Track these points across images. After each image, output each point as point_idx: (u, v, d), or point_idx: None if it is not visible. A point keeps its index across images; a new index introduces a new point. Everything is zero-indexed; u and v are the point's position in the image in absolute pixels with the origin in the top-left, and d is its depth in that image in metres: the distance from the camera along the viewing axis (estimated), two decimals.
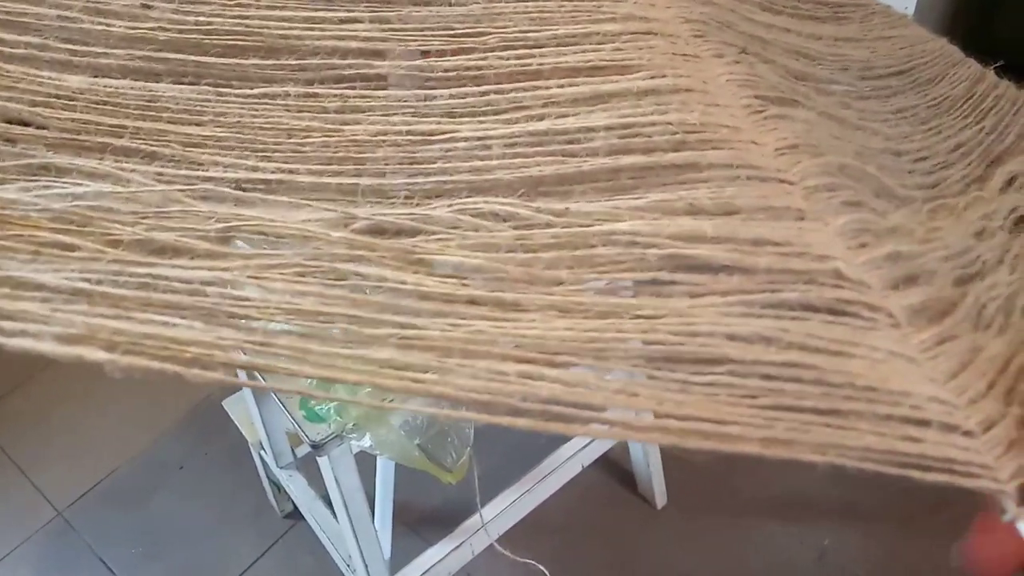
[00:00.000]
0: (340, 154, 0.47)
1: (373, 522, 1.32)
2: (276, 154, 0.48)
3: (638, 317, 0.38)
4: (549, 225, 0.41)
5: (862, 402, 0.34)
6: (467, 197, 0.43)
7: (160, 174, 0.47)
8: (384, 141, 0.47)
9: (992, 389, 0.37)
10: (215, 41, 0.53)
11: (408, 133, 0.47)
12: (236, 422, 1.44)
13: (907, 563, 1.46)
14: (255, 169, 0.47)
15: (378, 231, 0.43)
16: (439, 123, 0.47)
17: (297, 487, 1.36)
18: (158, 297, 0.38)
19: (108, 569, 1.58)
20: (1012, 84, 0.91)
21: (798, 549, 1.49)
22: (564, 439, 1.43)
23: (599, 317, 0.38)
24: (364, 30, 0.52)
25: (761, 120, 0.45)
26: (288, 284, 0.39)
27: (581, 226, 0.40)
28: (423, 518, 1.64)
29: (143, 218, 0.43)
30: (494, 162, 0.44)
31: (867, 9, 0.88)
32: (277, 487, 1.54)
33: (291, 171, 0.47)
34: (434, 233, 0.42)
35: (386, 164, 0.46)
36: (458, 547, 1.27)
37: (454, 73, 0.49)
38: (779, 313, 0.37)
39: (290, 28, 0.52)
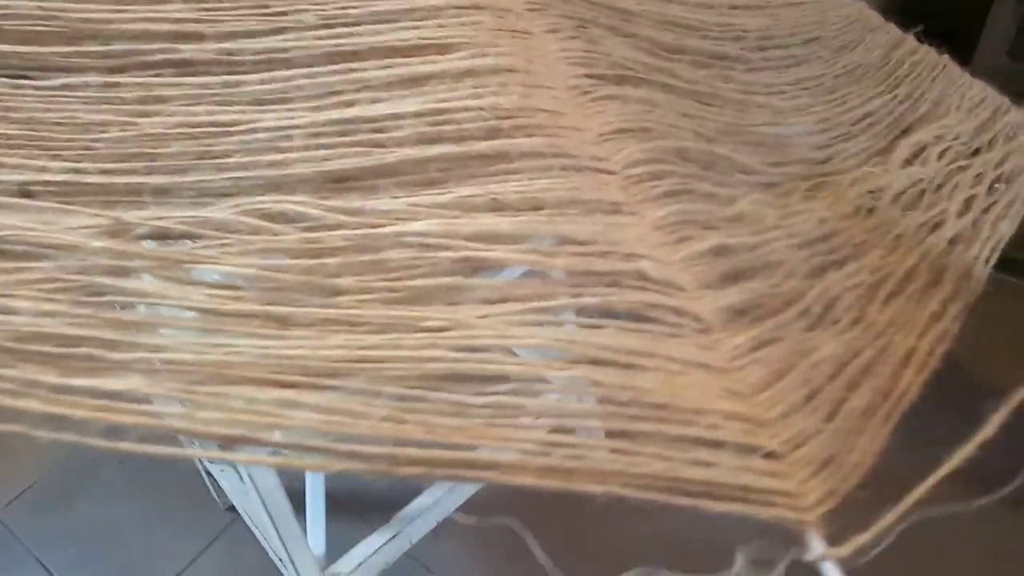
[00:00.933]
0: (133, 150, 0.42)
1: (305, 517, 1.29)
2: (67, 152, 0.43)
3: (421, 330, 0.33)
4: (339, 226, 0.37)
5: (652, 422, 0.30)
6: (262, 195, 0.39)
7: None
8: (181, 134, 0.42)
9: (813, 400, 0.33)
10: (12, 27, 0.48)
11: (209, 124, 0.42)
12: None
13: (836, 528, 1.44)
14: (43, 170, 0.43)
15: (156, 236, 0.38)
16: (243, 112, 0.43)
17: (229, 481, 1.32)
18: None
19: (46, 570, 1.55)
20: (932, 49, 0.87)
21: (743, 526, 1.48)
22: None
23: (379, 332, 0.34)
24: (176, 11, 0.47)
25: (588, 102, 0.41)
26: (33, 303, 0.34)
27: (371, 227, 0.36)
28: (372, 505, 1.61)
29: None
30: (294, 155, 0.40)
31: None
32: (217, 480, 1.51)
33: (80, 171, 0.42)
34: (215, 238, 0.38)
35: (180, 160, 0.41)
36: (394, 538, 1.24)
37: (264, 56, 0.45)
38: (577, 321, 0.33)
39: (95, 11, 0.47)
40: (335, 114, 0.41)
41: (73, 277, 0.36)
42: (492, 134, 0.38)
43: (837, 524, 0.32)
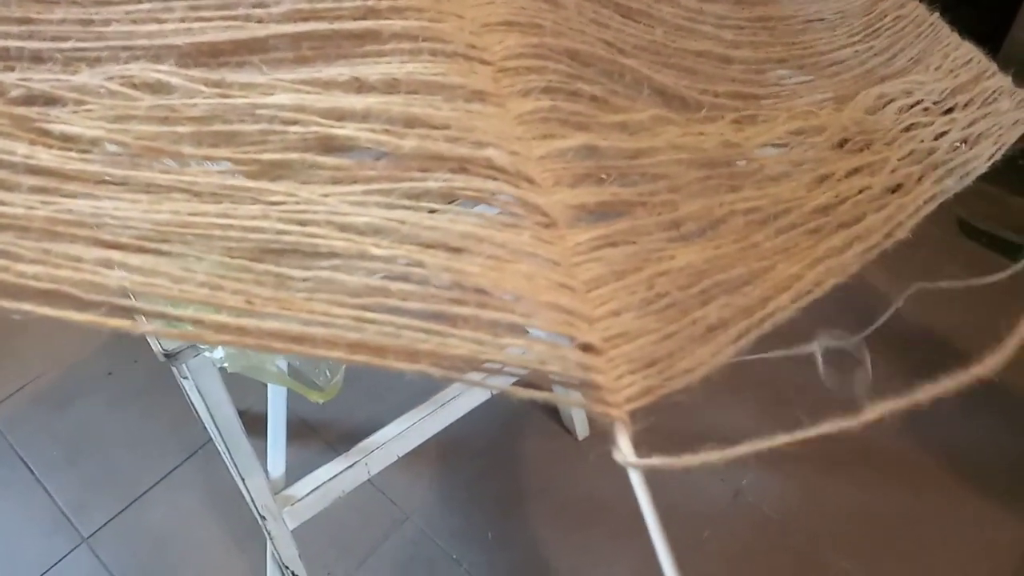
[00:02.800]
0: (16, 14, 0.41)
1: (267, 437, 1.31)
2: None
3: (257, 203, 0.33)
4: (196, 96, 0.36)
5: (470, 306, 0.30)
6: (131, 64, 0.38)
7: None
8: (67, 1, 0.41)
9: (652, 304, 0.32)
10: None
11: None
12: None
13: (820, 507, 1.44)
14: None
15: (24, 99, 0.38)
16: None
17: (194, 398, 1.34)
18: None
19: (28, 469, 1.59)
20: (922, 6, 0.83)
21: (717, 487, 1.47)
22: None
23: (213, 201, 0.33)
24: None
25: None
26: None
27: (225, 98, 0.35)
28: (343, 435, 1.64)
29: None
30: (170, 26, 0.39)
31: None
32: None
33: None
34: (76, 102, 0.37)
35: (62, 27, 0.40)
36: (352, 466, 1.25)
37: None
38: (418, 204, 0.32)
39: None
40: None
41: None
42: (367, 14, 0.37)
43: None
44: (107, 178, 0.33)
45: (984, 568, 1.35)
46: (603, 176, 0.35)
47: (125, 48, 0.39)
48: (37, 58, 0.40)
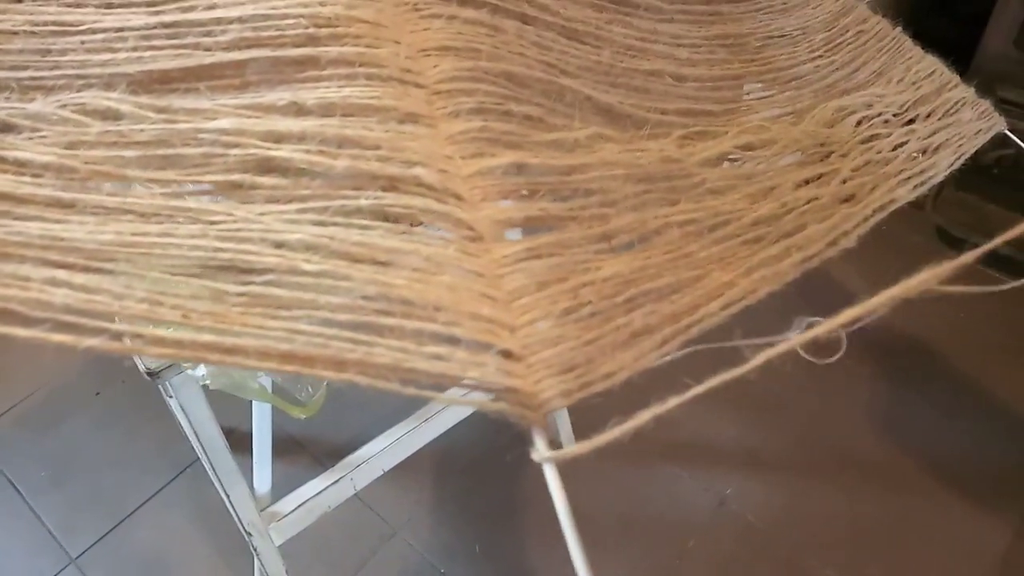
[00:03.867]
0: None
1: (252, 455, 1.32)
2: None
3: (197, 222, 0.34)
4: (143, 121, 0.37)
5: (396, 317, 0.31)
6: (83, 92, 0.40)
7: None
8: (26, 32, 0.43)
9: (575, 312, 0.34)
10: None
11: (54, 24, 0.43)
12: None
13: (804, 514, 1.45)
14: None
15: None
16: (87, 14, 0.43)
17: (179, 416, 1.35)
18: None
19: (16, 490, 1.60)
20: (885, 21, 0.85)
21: (701, 495, 1.48)
22: None
23: (156, 221, 0.34)
24: None
25: (416, 19, 0.41)
26: None
27: (171, 123, 0.37)
28: (331, 451, 1.64)
29: None
30: (122, 55, 0.41)
31: None
32: None
33: None
34: (30, 129, 0.39)
35: (19, 56, 0.42)
36: (337, 481, 1.26)
37: None
38: (349, 221, 0.34)
39: None
40: (169, 17, 0.41)
41: None
42: (307, 41, 0.39)
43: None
44: (57, 201, 0.35)
45: (967, 574, 1.36)
46: (533, 191, 0.37)
47: (79, 76, 0.41)
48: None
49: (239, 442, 1.40)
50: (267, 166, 0.35)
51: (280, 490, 1.29)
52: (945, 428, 1.53)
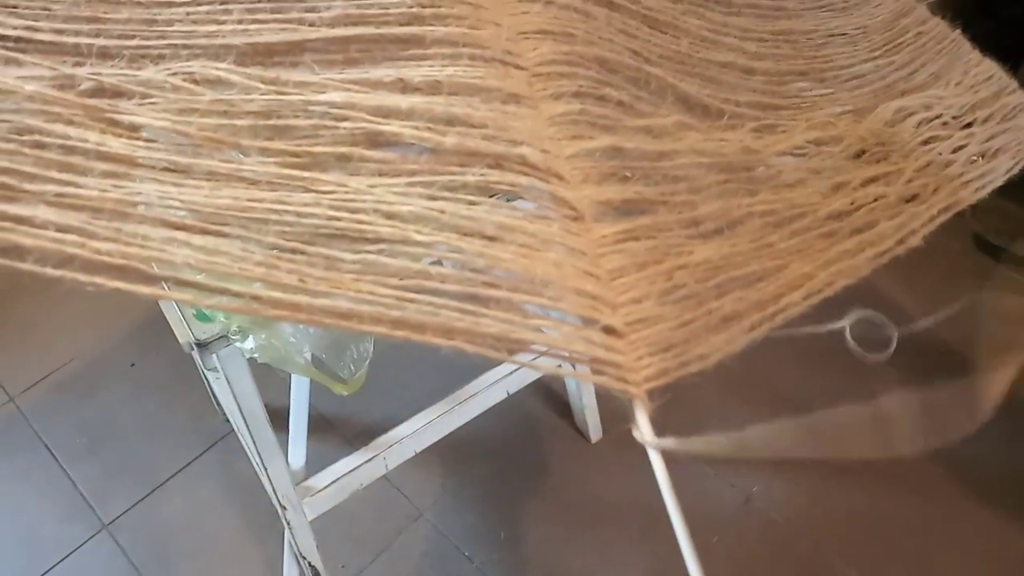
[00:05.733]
0: (86, 13, 0.45)
1: (288, 430, 1.34)
2: (24, 10, 0.46)
3: (309, 191, 0.36)
4: (253, 92, 0.39)
5: (502, 290, 0.32)
6: (192, 62, 0.41)
7: None
8: (133, 2, 0.45)
9: (671, 294, 0.35)
10: None
11: None
12: (170, 322, 1.46)
13: (828, 514, 1.46)
14: None
15: (93, 92, 0.41)
16: None
17: (221, 390, 1.37)
18: None
19: (52, 456, 1.63)
20: (944, 22, 0.85)
21: (727, 492, 1.49)
22: (492, 364, 1.43)
23: (269, 188, 0.36)
24: None
25: (516, 2, 0.42)
26: None
27: (281, 95, 0.38)
28: (360, 431, 1.66)
29: None
30: (228, 27, 0.42)
31: None
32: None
33: (35, 28, 0.45)
34: (142, 95, 0.40)
35: (127, 26, 0.44)
36: (370, 460, 1.28)
37: None
38: (456, 196, 0.35)
39: None
40: None
41: (6, 117, 0.39)
42: (412, 20, 0.40)
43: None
44: (172, 165, 0.36)
45: None
46: (627, 175, 0.38)
47: (186, 47, 0.42)
48: (105, 54, 0.43)
49: (271, 418, 1.42)
50: (376, 140, 0.37)
51: (310, 468, 1.31)
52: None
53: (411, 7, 0.40)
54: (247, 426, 1.10)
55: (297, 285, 0.33)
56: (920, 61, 0.81)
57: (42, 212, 0.35)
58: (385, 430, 1.36)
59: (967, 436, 0.43)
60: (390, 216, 0.34)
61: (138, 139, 0.38)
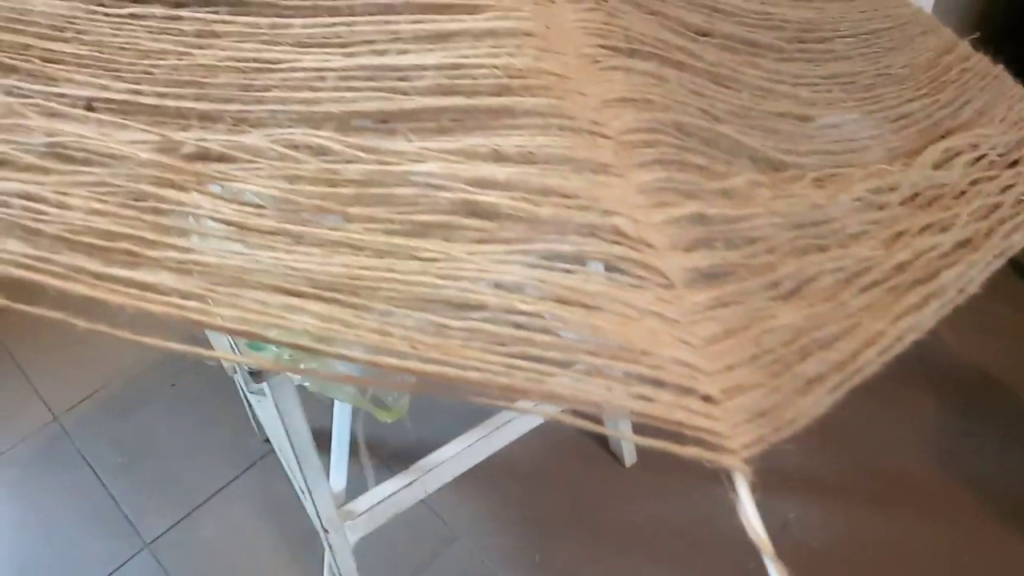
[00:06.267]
0: (186, 77, 0.47)
1: (330, 453, 1.36)
2: (128, 75, 0.48)
3: (415, 259, 0.38)
4: (355, 161, 0.41)
5: (603, 358, 0.34)
6: (291, 128, 0.43)
7: (15, 87, 0.48)
8: (229, 67, 0.47)
9: (760, 359, 0.36)
10: None
11: (254, 60, 0.47)
12: (214, 345, 1.49)
13: (864, 540, 1.46)
14: (106, 88, 0.48)
15: (198, 156, 0.43)
16: (285, 52, 0.47)
17: (264, 412, 1.40)
18: None
19: (95, 474, 1.66)
20: (986, 58, 0.86)
21: (764, 518, 1.49)
22: None
23: (378, 257, 0.38)
24: None
25: (596, 71, 0.44)
26: (86, 201, 0.40)
27: (383, 164, 0.40)
28: (395, 454, 1.68)
29: None
30: (324, 95, 0.44)
31: None
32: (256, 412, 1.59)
33: (138, 92, 0.47)
34: (247, 161, 0.42)
35: (225, 90, 0.46)
36: (410, 484, 1.30)
37: (310, 4, 0.49)
38: (552, 265, 0.37)
39: None
40: (365, 60, 0.45)
41: (122, 183, 0.41)
42: (502, 91, 0.42)
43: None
44: (282, 232, 0.39)
45: None
46: (712, 240, 0.40)
47: (283, 112, 0.45)
48: (206, 117, 0.45)
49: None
50: (474, 209, 0.39)
51: (349, 490, 1.33)
52: (1005, 461, 1.53)
53: (500, 78, 0.42)
54: (294, 451, 1.12)
55: (410, 351, 0.35)
56: (964, 98, 0.82)
57: (165, 278, 0.37)
58: (420, 452, 1.38)
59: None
60: (495, 285, 0.36)
61: (247, 206, 0.40)
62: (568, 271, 0.36)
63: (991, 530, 1.44)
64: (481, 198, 0.38)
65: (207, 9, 0.51)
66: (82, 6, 0.52)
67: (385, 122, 0.43)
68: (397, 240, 0.38)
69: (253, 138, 0.43)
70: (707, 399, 0.34)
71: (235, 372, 1.44)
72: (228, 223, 0.39)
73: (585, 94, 0.43)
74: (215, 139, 0.43)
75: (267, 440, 1.67)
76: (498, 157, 0.40)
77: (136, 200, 0.40)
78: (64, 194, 0.40)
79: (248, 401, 1.58)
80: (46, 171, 0.42)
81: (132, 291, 0.37)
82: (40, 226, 0.39)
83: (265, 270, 0.37)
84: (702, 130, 0.46)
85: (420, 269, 0.37)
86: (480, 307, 0.36)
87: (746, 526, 0.33)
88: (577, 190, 0.38)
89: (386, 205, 0.40)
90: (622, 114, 0.42)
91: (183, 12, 0.51)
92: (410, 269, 0.37)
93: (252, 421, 1.66)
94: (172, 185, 0.41)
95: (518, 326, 0.35)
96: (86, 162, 0.43)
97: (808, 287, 0.44)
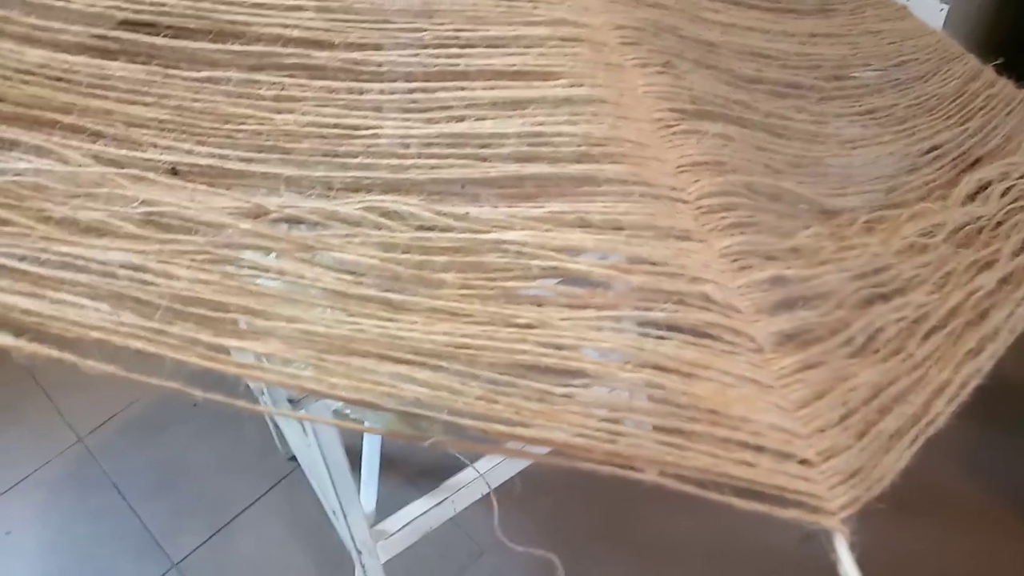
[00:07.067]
0: (269, 143, 0.49)
1: (360, 472, 1.38)
2: (211, 139, 0.50)
3: (512, 326, 0.39)
4: (447, 229, 0.43)
5: (703, 424, 0.36)
6: (380, 194, 0.45)
7: (101, 153, 0.49)
8: (312, 133, 0.49)
9: (847, 419, 0.38)
10: (167, 22, 0.55)
11: (335, 126, 0.49)
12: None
13: (892, 553, 1.47)
14: (190, 152, 0.50)
15: (290, 221, 0.45)
16: (365, 118, 0.49)
17: (293, 432, 1.42)
18: (72, 277, 0.41)
19: (121, 496, 1.67)
20: (1011, 83, 0.88)
21: (789, 530, 1.51)
22: None
23: (477, 324, 0.40)
24: (308, 18, 0.53)
25: (669, 136, 0.46)
26: (192, 271, 0.41)
27: (475, 232, 0.42)
28: (422, 471, 1.69)
29: (74, 197, 0.45)
30: (409, 161, 0.46)
31: (860, 0, 0.86)
32: (281, 430, 1.61)
33: (222, 156, 0.49)
34: (340, 229, 0.44)
35: (310, 156, 0.48)
36: (440, 503, 1.31)
37: (386, 69, 0.51)
38: (645, 331, 0.39)
39: (238, 13, 0.54)
40: (446, 128, 0.47)
41: (221, 251, 0.43)
42: (583, 158, 0.44)
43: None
44: (383, 300, 0.40)
45: None
46: (791, 301, 0.41)
47: (369, 179, 0.46)
48: (292, 183, 0.47)
49: None
50: (564, 275, 0.40)
51: (380, 509, 1.34)
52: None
53: (580, 146, 0.44)
54: (330, 475, 1.13)
55: (515, 418, 0.37)
56: (992, 125, 0.84)
57: (276, 347, 0.39)
58: (446, 469, 1.40)
59: None
60: (591, 352, 0.38)
61: (346, 274, 0.42)
62: (662, 338, 0.38)
63: (1022, 540, 1.45)
64: (572, 266, 0.40)
65: (283, 73, 0.52)
66: (160, 70, 0.53)
67: (469, 188, 0.45)
68: (492, 307, 0.40)
69: (343, 205, 0.45)
70: (804, 463, 0.36)
71: (262, 392, 1.45)
72: (330, 292, 0.41)
73: (661, 160, 0.44)
74: (306, 206, 0.45)
75: (292, 458, 1.68)
76: (583, 223, 0.42)
77: (238, 269, 0.42)
78: (167, 263, 0.42)
79: (273, 420, 1.60)
80: (146, 239, 0.44)
81: (247, 362, 0.38)
82: (150, 297, 0.40)
83: (371, 339, 0.39)
84: (768, 187, 0.48)
85: (519, 337, 0.39)
86: (582, 374, 0.38)
87: None
88: (664, 257, 0.40)
89: (479, 272, 0.41)
90: (698, 178, 0.44)
91: (259, 76, 0.52)
92: (510, 337, 0.39)
93: (276, 439, 1.68)
94: (270, 253, 0.42)
95: (618, 391, 0.37)
96: (183, 230, 0.44)
97: (877, 339, 0.46)
